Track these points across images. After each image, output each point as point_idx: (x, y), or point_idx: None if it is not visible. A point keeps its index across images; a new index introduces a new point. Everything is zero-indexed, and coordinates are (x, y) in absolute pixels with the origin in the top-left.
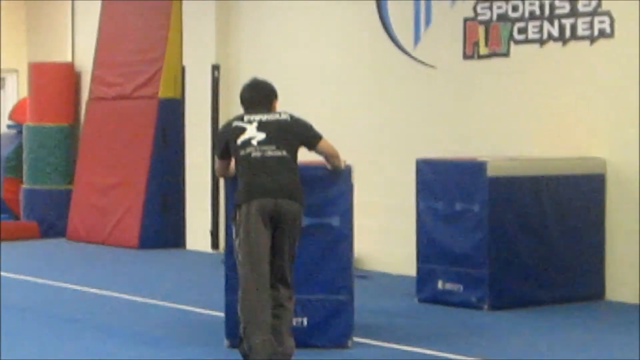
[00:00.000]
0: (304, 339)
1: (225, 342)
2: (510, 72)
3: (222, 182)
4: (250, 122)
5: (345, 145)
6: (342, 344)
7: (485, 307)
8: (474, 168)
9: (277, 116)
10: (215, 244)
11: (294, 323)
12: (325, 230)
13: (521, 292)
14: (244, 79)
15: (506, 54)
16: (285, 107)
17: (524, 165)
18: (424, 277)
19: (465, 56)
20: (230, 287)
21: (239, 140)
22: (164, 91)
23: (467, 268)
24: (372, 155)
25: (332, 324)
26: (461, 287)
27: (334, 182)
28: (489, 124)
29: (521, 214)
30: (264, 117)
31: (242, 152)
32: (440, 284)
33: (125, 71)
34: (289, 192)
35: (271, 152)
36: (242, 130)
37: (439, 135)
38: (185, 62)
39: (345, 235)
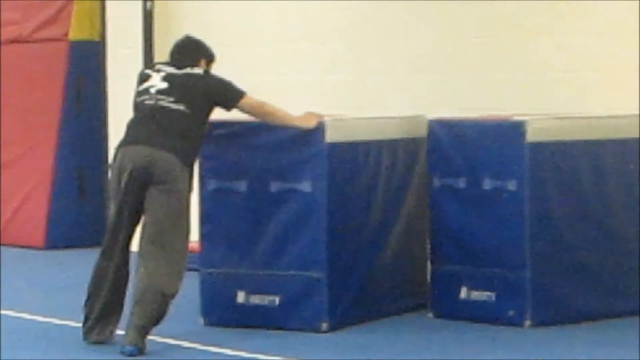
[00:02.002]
0: (274, 320)
1: (201, 320)
2: (556, 3)
3: None
4: (158, 71)
5: (327, 101)
6: (315, 328)
7: (527, 322)
8: (509, 131)
9: (189, 70)
10: None
11: (265, 301)
12: (294, 197)
13: (576, 302)
14: (189, 11)
15: None
16: (241, 46)
17: (579, 125)
18: (441, 283)
19: None
20: (204, 260)
21: (140, 87)
22: (77, 31)
23: (501, 270)
24: (365, 115)
25: (304, 304)
26: (493, 296)
27: (302, 142)
28: (528, 71)
29: (575, 194)
30: (175, 70)
31: (137, 99)
32: (463, 293)
33: (22, 4)
34: (171, 146)
35: (166, 103)
36: (147, 77)
37: (459, 86)
38: None
39: (318, 203)
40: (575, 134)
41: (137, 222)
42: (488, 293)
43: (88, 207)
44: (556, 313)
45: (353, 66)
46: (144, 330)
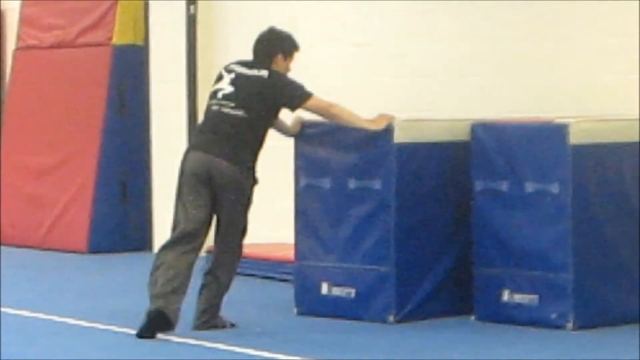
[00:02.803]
0: (351, 312)
1: (295, 309)
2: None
3: None
4: (230, 71)
5: (371, 104)
6: (384, 320)
7: (570, 325)
8: (552, 133)
9: (256, 72)
10: None
11: (343, 293)
12: (368, 195)
13: (619, 305)
14: (232, 16)
15: None
16: None
17: (622, 127)
18: (483, 285)
19: None
20: (298, 252)
21: (213, 88)
22: (120, 36)
23: (544, 272)
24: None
25: (375, 297)
26: (536, 299)
27: (374, 142)
28: (570, 73)
29: (618, 196)
30: (245, 71)
31: (208, 102)
32: (506, 295)
33: (66, 9)
34: (225, 153)
35: (228, 109)
36: (220, 78)
37: (501, 88)
38: None
39: (387, 201)
40: (618, 136)
41: (205, 221)
42: (531, 296)
43: (131, 212)
44: (599, 316)
45: (397, 69)
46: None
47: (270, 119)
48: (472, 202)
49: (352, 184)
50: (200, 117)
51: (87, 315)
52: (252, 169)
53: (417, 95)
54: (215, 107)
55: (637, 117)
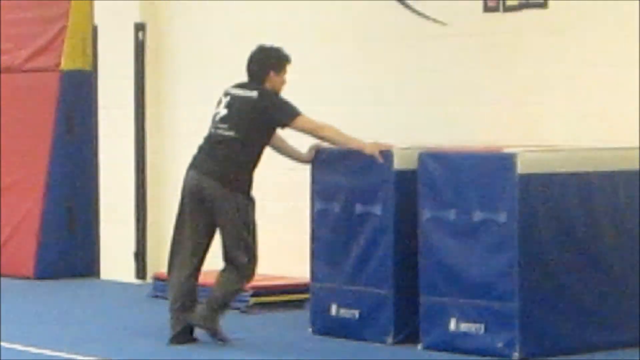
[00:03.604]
0: (355, 333)
1: (309, 329)
2: (548, 29)
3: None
4: (226, 94)
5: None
6: (382, 341)
7: (516, 354)
8: (499, 163)
9: (248, 92)
10: (141, 272)
11: (349, 315)
12: (371, 219)
13: (566, 334)
14: (180, 42)
15: (542, 5)
16: (236, 74)
17: (570, 157)
18: (430, 314)
19: (487, 8)
20: (313, 274)
21: (214, 112)
22: (69, 61)
23: (490, 301)
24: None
25: (375, 318)
26: (482, 328)
27: (376, 168)
28: (518, 102)
29: (565, 226)
30: (239, 92)
31: (210, 125)
32: (452, 324)
33: (14, 34)
34: (215, 171)
35: (222, 130)
36: (219, 102)
37: (449, 117)
38: (97, 21)
39: (387, 226)
40: (566, 166)
41: (204, 239)
42: (477, 325)
43: (78, 237)
44: (545, 345)
45: (343, 98)
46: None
47: (262, 139)
48: (419, 230)
49: (358, 208)
50: (148, 144)
51: (35, 342)
52: (243, 188)
53: (361, 123)
54: (212, 130)
55: (583, 147)
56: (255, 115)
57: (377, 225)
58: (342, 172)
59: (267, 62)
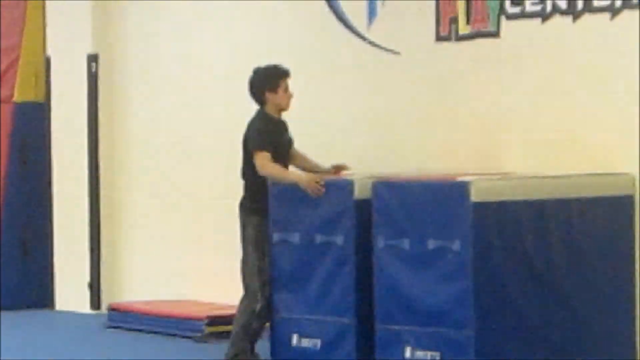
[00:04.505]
0: None
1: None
2: (501, 58)
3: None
4: None
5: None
6: None
7: None
8: (453, 191)
9: (253, 116)
10: (95, 303)
11: (311, 344)
12: (332, 249)
13: None
14: (133, 72)
15: (495, 34)
16: (189, 106)
17: (523, 185)
18: (386, 342)
19: (439, 37)
20: (273, 305)
21: None
22: (21, 93)
23: (445, 329)
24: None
25: (337, 348)
26: (438, 356)
27: (335, 198)
28: (471, 131)
29: (519, 254)
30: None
31: None
32: (408, 352)
33: None
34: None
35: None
36: None
37: (402, 146)
38: (50, 52)
39: (348, 256)
40: (519, 193)
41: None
42: (432, 352)
43: (32, 268)
44: None
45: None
46: None
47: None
48: (374, 258)
49: (318, 238)
50: (101, 175)
51: None
52: (251, 209)
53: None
54: None
55: (537, 174)
56: (245, 141)
57: (338, 255)
58: (301, 202)
59: (259, 84)
